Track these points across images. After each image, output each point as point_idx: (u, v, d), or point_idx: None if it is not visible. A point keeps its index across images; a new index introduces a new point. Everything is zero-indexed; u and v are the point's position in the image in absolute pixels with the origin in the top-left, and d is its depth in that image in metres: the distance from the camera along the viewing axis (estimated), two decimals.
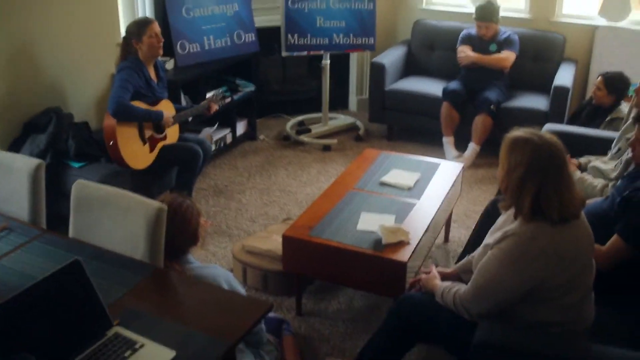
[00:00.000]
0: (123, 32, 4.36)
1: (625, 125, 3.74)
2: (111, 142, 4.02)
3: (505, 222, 2.48)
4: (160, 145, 4.29)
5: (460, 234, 4.28)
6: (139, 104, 4.10)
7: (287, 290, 3.61)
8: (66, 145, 4.13)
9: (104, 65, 4.69)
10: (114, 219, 2.61)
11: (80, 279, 2.01)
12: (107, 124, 4.04)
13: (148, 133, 4.21)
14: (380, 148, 5.19)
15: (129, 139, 4.10)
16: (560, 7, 5.84)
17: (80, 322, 1.99)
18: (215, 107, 4.62)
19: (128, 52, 4.19)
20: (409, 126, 5.89)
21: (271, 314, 3.14)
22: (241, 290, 2.70)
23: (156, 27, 4.19)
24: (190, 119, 4.67)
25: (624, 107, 4.43)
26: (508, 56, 5.40)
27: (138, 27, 4.16)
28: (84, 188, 2.71)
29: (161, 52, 4.25)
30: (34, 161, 2.89)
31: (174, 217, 2.58)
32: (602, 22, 5.65)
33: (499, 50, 5.44)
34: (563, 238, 2.26)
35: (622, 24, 5.57)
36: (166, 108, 4.31)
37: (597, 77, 4.58)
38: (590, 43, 5.70)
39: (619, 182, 3.06)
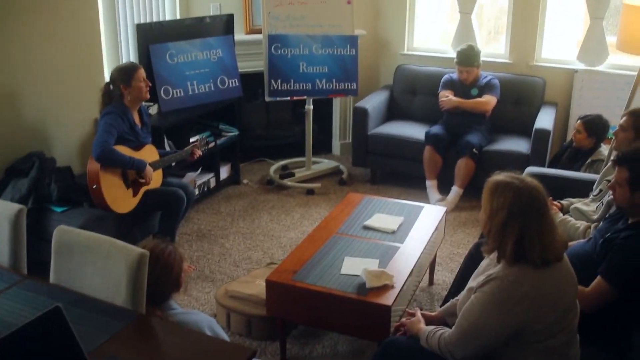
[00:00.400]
0: (107, 77, 4.37)
1: (605, 168, 3.78)
2: (94, 186, 4.01)
3: (489, 266, 2.49)
4: (143, 189, 4.27)
5: (445, 277, 4.28)
6: (123, 149, 4.10)
7: (271, 335, 3.58)
8: (48, 190, 4.11)
9: (87, 109, 4.70)
10: (96, 264, 2.58)
11: (61, 326, 1.98)
12: (91, 168, 4.03)
13: (132, 177, 4.20)
14: (363, 192, 5.20)
15: (113, 183, 4.09)
16: (540, 52, 5.94)
17: None
18: (198, 153, 4.64)
19: (111, 97, 4.22)
20: (392, 170, 5.92)
21: None
22: (224, 336, 2.66)
23: (143, 73, 4.25)
24: (173, 163, 4.67)
25: (604, 149, 4.49)
26: (489, 100, 5.46)
27: (126, 73, 4.19)
28: (65, 234, 2.69)
29: (148, 96, 4.30)
30: (15, 207, 2.86)
31: (156, 263, 2.55)
32: (580, 66, 5.74)
33: (480, 95, 5.50)
34: (546, 281, 2.26)
35: (600, 67, 5.67)
36: (150, 153, 4.32)
37: (577, 121, 4.64)
38: (569, 86, 5.79)
39: (601, 224, 3.08)
